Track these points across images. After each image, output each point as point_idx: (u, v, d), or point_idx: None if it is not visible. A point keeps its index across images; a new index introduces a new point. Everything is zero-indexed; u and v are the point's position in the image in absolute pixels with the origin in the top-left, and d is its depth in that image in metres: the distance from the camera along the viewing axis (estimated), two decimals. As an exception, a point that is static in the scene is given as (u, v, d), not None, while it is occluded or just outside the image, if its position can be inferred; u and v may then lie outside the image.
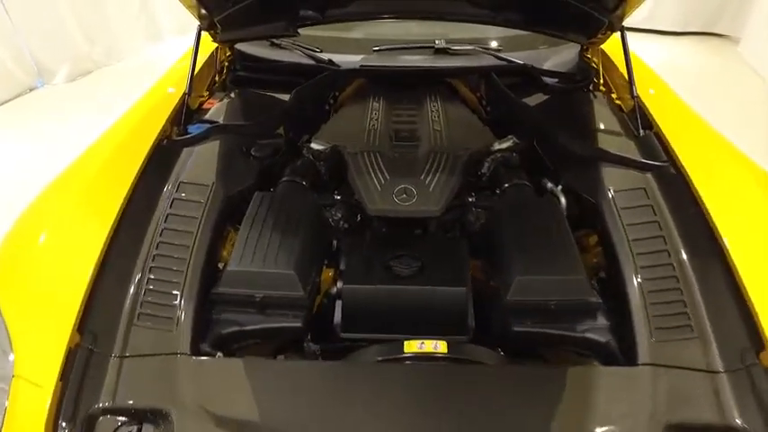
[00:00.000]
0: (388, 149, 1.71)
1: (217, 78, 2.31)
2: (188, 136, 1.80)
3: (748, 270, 1.23)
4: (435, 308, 1.35)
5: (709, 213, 1.36)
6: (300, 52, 2.21)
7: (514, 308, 1.32)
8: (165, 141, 1.77)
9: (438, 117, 1.92)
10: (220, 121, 1.93)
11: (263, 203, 1.55)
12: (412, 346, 1.20)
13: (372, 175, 1.60)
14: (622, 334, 1.26)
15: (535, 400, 1.07)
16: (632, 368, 1.13)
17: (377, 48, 2.19)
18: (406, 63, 2.18)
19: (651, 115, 1.77)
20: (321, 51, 2.20)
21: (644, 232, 1.40)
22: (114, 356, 1.16)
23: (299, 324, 1.33)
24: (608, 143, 1.73)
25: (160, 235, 1.42)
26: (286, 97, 2.04)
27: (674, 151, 1.59)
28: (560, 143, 1.75)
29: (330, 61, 2.17)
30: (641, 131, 1.76)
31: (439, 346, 1.20)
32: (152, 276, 1.33)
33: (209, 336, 1.29)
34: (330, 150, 1.78)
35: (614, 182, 1.56)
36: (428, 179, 1.58)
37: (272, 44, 2.29)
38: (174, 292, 1.29)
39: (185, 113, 1.91)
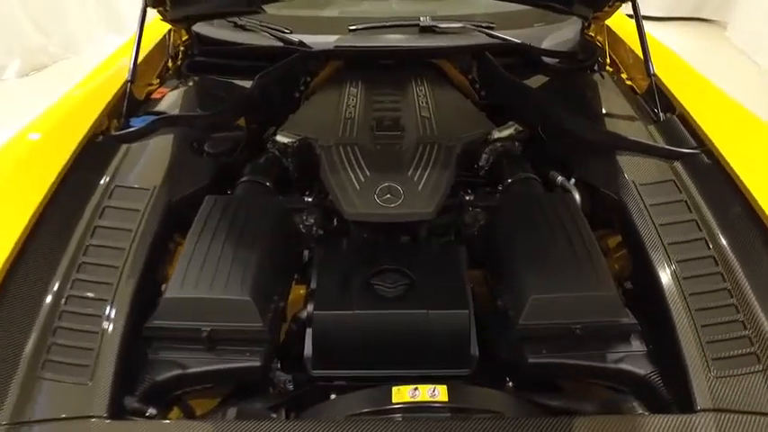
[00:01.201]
0: (368, 141, 1.44)
1: (170, 65, 2.01)
2: (129, 130, 1.51)
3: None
4: (430, 336, 1.09)
5: (761, 209, 1.12)
6: (267, 34, 1.93)
7: (528, 334, 1.06)
8: (100, 137, 1.46)
9: (426, 103, 1.65)
10: (172, 112, 1.64)
11: (214, 209, 1.26)
12: (402, 395, 0.93)
13: (350, 171, 1.33)
14: (666, 364, 1.01)
15: None
16: (691, 416, 0.87)
17: (354, 27, 1.91)
18: (387, 43, 1.91)
19: (672, 96, 1.52)
20: (291, 32, 1.92)
21: (680, 234, 1.15)
22: (2, 425, 0.87)
23: (256, 363, 1.06)
24: (624, 129, 1.49)
25: (83, 253, 1.13)
26: (243, 83, 1.76)
27: (705, 136, 1.34)
28: (570, 129, 1.50)
29: (301, 43, 1.89)
30: (662, 115, 1.52)
31: (438, 392, 0.93)
32: (67, 309, 1.04)
33: (139, 384, 1.00)
34: (299, 143, 1.49)
35: (638, 173, 1.31)
36: (416, 175, 1.31)
37: (236, 25, 2.01)
38: (94, 328, 1.00)
39: (128, 104, 1.61)
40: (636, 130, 1.48)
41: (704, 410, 0.87)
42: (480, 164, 1.55)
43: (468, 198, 1.41)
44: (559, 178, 1.45)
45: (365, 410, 0.93)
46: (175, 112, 1.64)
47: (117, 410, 0.92)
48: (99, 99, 1.57)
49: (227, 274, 1.10)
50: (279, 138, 1.53)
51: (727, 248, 1.10)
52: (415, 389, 0.93)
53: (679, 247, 1.13)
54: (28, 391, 0.91)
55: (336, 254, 1.27)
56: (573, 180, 1.43)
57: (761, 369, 0.92)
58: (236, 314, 1.05)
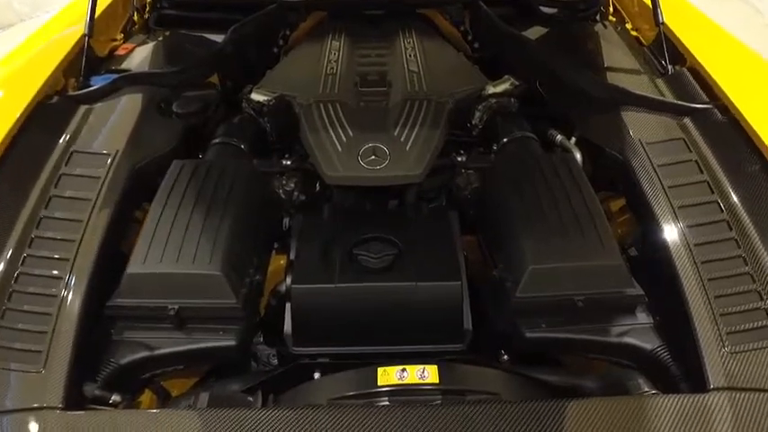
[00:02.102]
0: (351, 98, 1.32)
1: (136, 18, 1.84)
2: (88, 89, 1.37)
3: None
4: (419, 310, 1.00)
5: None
6: None
7: (526, 307, 0.97)
8: (54, 97, 1.33)
9: (414, 56, 1.52)
10: (138, 70, 1.49)
11: (181, 174, 1.15)
12: (389, 376, 0.85)
13: (331, 131, 1.21)
14: (675, 338, 0.93)
15: None
16: (703, 395, 0.80)
17: None
18: None
19: (683, 46, 1.40)
20: None
21: (691, 196, 1.06)
22: None
23: (231, 342, 0.97)
24: (629, 83, 1.38)
25: (36, 226, 1.03)
26: (215, 38, 1.62)
27: (719, 90, 1.23)
28: (570, 84, 1.38)
29: None
30: (670, 67, 1.40)
31: (428, 374, 0.85)
32: (18, 288, 0.93)
33: (102, 369, 0.91)
34: (276, 102, 1.37)
35: (644, 131, 1.21)
36: (404, 134, 1.20)
37: None
38: (48, 309, 0.90)
39: (86, 61, 1.46)
40: (642, 85, 1.37)
41: (718, 389, 0.80)
42: (473, 122, 1.43)
43: (460, 159, 1.30)
44: (558, 137, 1.35)
45: (348, 394, 0.84)
46: (142, 69, 1.50)
47: (75, 399, 0.83)
48: (53, 55, 1.42)
49: (196, 246, 0.99)
50: (254, 96, 1.40)
51: (742, 212, 1.01)
52: (403, 370, 0.85)
53: (689, 210, 1.03)
54: None
55: (317, 221, 1.17)
56: (573, 139, 1.32)
57: None
58: (207, 290, 0.96)
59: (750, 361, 0.83)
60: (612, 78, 1.42)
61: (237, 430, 0.75)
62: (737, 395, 0.79)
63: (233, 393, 0.92)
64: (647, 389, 0.89)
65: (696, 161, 1.12)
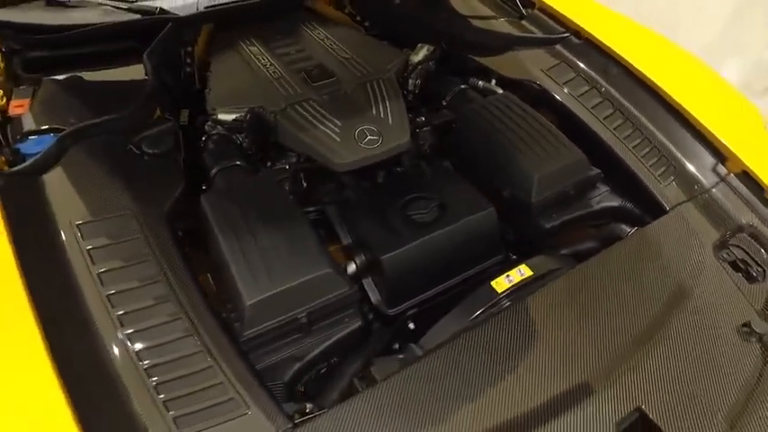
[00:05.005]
0: (313, 94, 1.45)
1: None
2: (34, 159, 1.20)
3: (694, 106, 1.42)
4: (473, 240, 1.27)
5: (634, 68, 1.53)
6: (109, 6, 1.63)
7: (540, 207, 1.32)
8: None
9: (335, 44, 1.68)
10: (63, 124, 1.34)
11: (224, 205, 1.18)
12: (501, 285, 1.12)
13: (320, 126, 1.34)
14: (627, 191, 1.38)
15: (626, 275, 1.13)
16: (668, 215, 1.26)
17: None
18: None
19: None
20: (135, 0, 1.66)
21: (591, 99, 1.51)
22: None
23: (359, 323, 1.12)
24: (502, 28, 1.76)
25: (112, 306, 0.97)
26: (104, 75, 1.56)
27: (571, 22, 1.69)
28: (464, 38, 1.71)
29: (161, 10, 1.65)
30: (524, 11, 1.83)
31: (523, 271, 1.14)
32: (148, 363, 0.91)
33: (277, 394, 0.98)
34: (250, 116, 1.41)
35: (538, 62, 1.62)
36: (381, 111, 1.39)
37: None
38: (206, 363, 0.92)
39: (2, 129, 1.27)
40: (513, 28, 1.76)
41: (672, 208, 1.27)
42: (409, 89, 1.68)
43: (419, 119, 1.55)
44: (480, 83, 1.68)
45: (482, 310, 1.09)
46: (71, 121, 1.34)
47: (290, 421, 0.90)
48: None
49: (290, 256, 1.08)
50: (221, 116, 1.42)
51: (626, 104, 1.48)
52: (507, 275, 1.13)
53: (597, 109, 1.48)
54: None
55: (349, 205, 1.33)
56: (494, 81, 1.67)
57: (676, 171, 1.35)
58: (323, 288, 1.07)
59: (678, 184, 1.32)
60: (486, 26, 1.80)
61: (455, 364, 0.95)
62: (684, 206, 1.28)
63: (393, 360, 1.06)
64: (630, 230, 1.33)
65: (581, 76, 1.57)
